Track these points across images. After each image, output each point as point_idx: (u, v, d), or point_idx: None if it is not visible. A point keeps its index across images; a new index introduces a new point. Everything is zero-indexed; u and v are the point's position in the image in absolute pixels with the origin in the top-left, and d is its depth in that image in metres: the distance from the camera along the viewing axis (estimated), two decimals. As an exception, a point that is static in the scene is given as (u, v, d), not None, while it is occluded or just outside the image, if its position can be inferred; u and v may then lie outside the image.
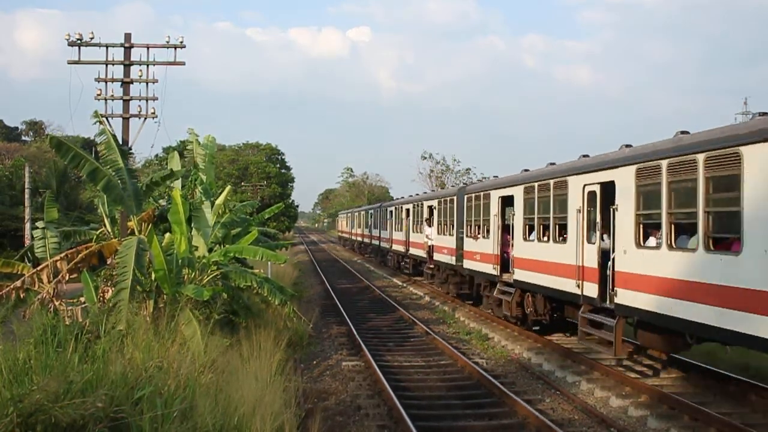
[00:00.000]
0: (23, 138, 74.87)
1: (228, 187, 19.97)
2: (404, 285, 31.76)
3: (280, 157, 77.15)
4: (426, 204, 29.72)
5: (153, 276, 12.15)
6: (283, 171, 76.21)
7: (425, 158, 73.22)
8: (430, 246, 27.96)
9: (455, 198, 23.93)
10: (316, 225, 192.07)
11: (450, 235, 24.45)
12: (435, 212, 27.47)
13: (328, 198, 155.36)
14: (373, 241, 47.62)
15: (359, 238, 56.71)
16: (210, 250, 14.14)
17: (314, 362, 14.71)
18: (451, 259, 24.15)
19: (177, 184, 15.51)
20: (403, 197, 39.20)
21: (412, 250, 32.79)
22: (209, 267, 13.46)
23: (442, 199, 26.50)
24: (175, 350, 9.34)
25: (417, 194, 35.32)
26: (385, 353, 15.67)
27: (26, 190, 35.23)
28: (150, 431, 6.49)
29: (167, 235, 14.15)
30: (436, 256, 26.91)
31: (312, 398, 11.55)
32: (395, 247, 37.53)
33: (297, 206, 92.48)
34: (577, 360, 14.31)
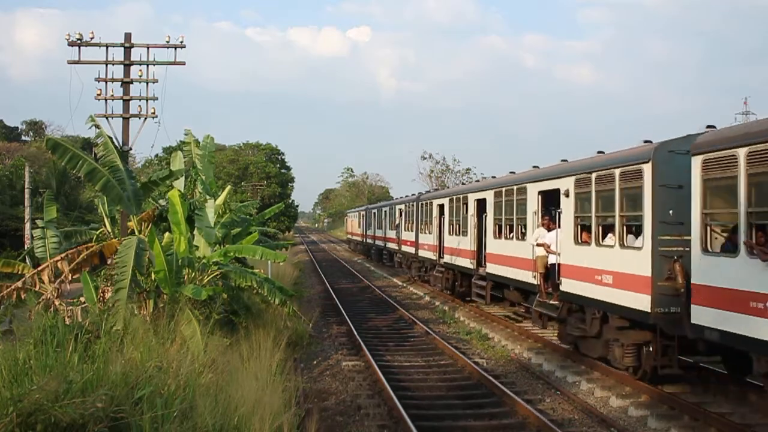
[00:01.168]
0: (23, 138, 74.83)
1: (228, 187, 19.98)
2: (404, 285, 31.75)
3: (280, 157, 77.26)
4: (532, 188, 16.53)
5: (153, 276, 12.15)
6: (283, 171, 76.28)
7: (425, 158, 73.26)
8: (550, 265, 15.42)
9: (647, 168, 11.37)
10: (317, 225, 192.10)
11: (624, 246, 12.12)
12: (570, 202, 14.19)
13: (328, 198, 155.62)
14: (404, 248, 34.41)
15: (381, 243, 43.99)
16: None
17: (314, 362, 14.71)
18: (630, 299, 11.71)
19: (179, 183, 15.51)
20: (452, 185, 28.99)
21: (493, 268, 19.49)
22: (209, 267, 13.47)
23: (592, 175, 13.22)
24: (175, 350, 9.36)
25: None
26: (385, 353, 15.67)
27: (26, 190, 35.16)
28: (150, 431, 6.50)
29: (167, 234, 14.15)
30: (569, 285, 14.09)
31: (312, 398, 11.55)
32: (450, 259, 24.58)
33: (297, 206, 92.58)
34: (577, 360, 14.31)
